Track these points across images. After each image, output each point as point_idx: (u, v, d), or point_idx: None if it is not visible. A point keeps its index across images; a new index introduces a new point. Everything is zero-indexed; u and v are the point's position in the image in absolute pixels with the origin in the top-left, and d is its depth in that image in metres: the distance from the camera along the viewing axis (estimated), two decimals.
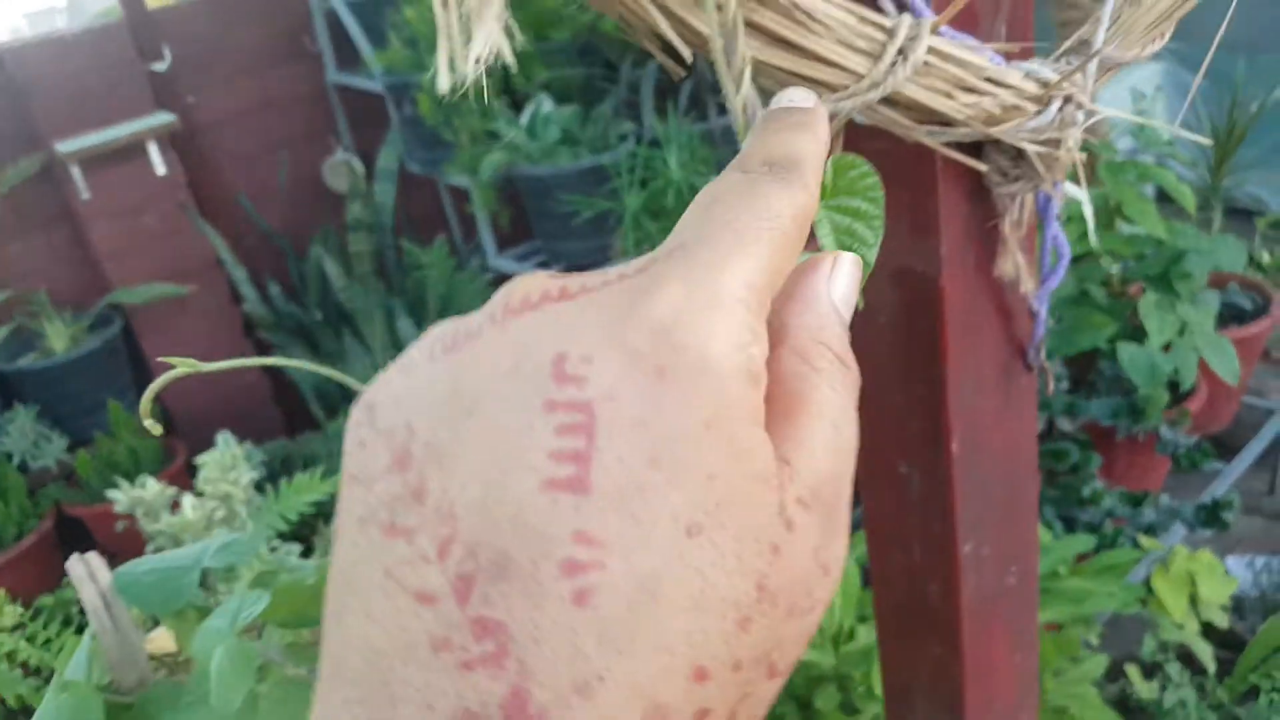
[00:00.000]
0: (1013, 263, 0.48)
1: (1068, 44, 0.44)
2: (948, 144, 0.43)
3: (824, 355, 0.26)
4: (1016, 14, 0.45)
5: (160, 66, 2.56)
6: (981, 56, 0.42)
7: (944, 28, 0.42)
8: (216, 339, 2.63)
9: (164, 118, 2.48)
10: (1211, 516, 1.68)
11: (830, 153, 0.47)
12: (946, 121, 0.42)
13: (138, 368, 2.59)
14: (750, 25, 0.38)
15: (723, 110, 2.22)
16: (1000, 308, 0.50)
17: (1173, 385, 1.86)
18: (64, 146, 2.37)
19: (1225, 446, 2.16)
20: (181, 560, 0.52)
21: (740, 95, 0.35)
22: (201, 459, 1.99)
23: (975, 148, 0.45)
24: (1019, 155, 0.45)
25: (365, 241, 2.51)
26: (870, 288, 0.52)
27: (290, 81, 2.75)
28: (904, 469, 0.55)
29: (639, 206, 2.01)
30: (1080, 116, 0.43)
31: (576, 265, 2.31)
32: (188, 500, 1.71)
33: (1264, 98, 2.18)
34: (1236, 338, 1.87)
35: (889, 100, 0.41)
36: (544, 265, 2.36)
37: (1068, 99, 0.42)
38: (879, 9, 0.41)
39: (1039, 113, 0.42)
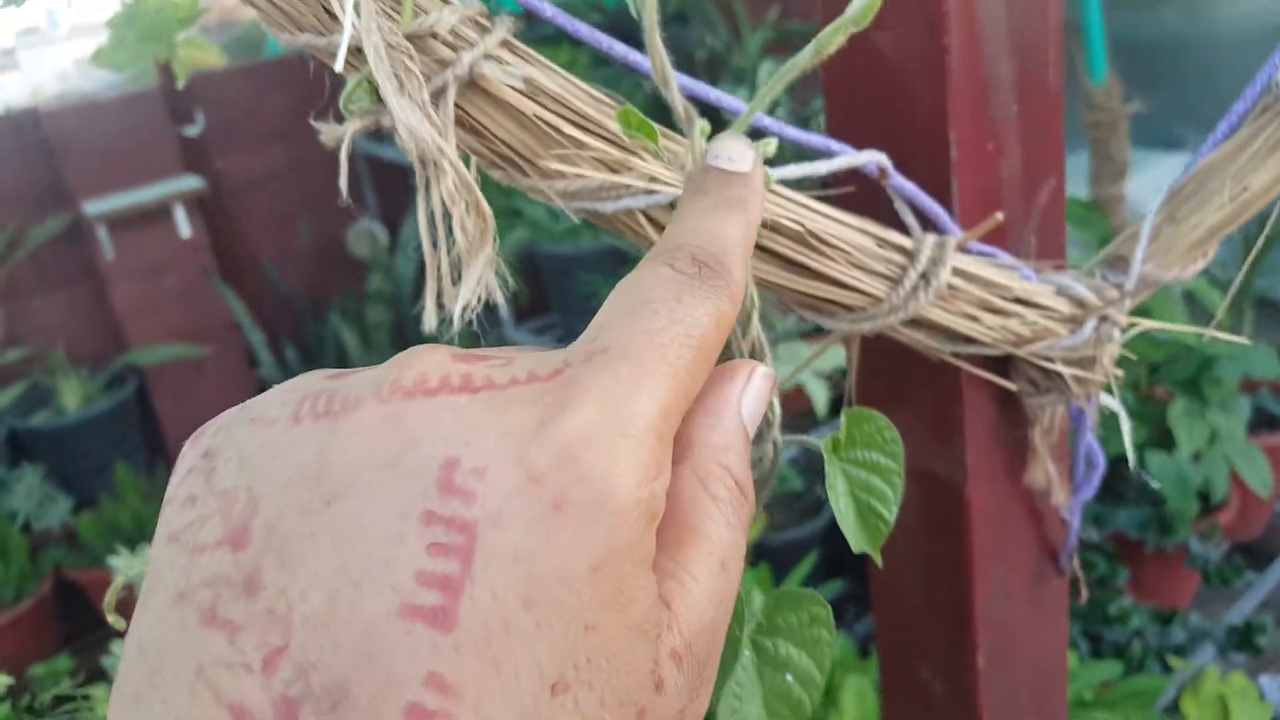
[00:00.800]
0: (1044, 472, 0.44)
1: (1103, 255, 0.41)
2: (972, 358, 0.41)
3: (724, 482, 0.24)
4: (1048, 223, 0.42)
5: (192, 131, 2.58)
6: (1010, 274, 0.39)
7: (970, 243, 0.39)
8: (229, 402, 2.60)
9: (191, 182, 2.49)
10: (1244, 640, 1.62)
11: (850, 354, 0.44)
12: (972, 339, 0.39)
13: (149, 429, 2.58)
14: (763, 250, 0.36)
15: None
16: (1030, 513, 0.47)
17: (1204, 494, 1.81)
18: (92, 207, 2.38)
19: (1257, 555, 2.10)
20: None
21: (751, 332, 0.33)
22: None
23: (1003, 359, 0.42)
24: (1049, 371, 0.42)
25: (384, 313, 2.51)
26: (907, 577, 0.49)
27: (319, 148, 2.73)
28: (926, 675, 0.51)
29: None
30: (1117, 334, 0.40)
31: None
32: None
33: None
34: (1268, 445, 1.82)
35: (910, 321, 0.38)
36: (562, 340, 2.34)
37: (1104, 318, 0.40)
38: (902, 225, 0.39)
39: (1073, 332, 0.40)
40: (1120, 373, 0.41)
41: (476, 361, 0.22)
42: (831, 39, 0.27)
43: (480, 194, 0.33)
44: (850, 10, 0.27)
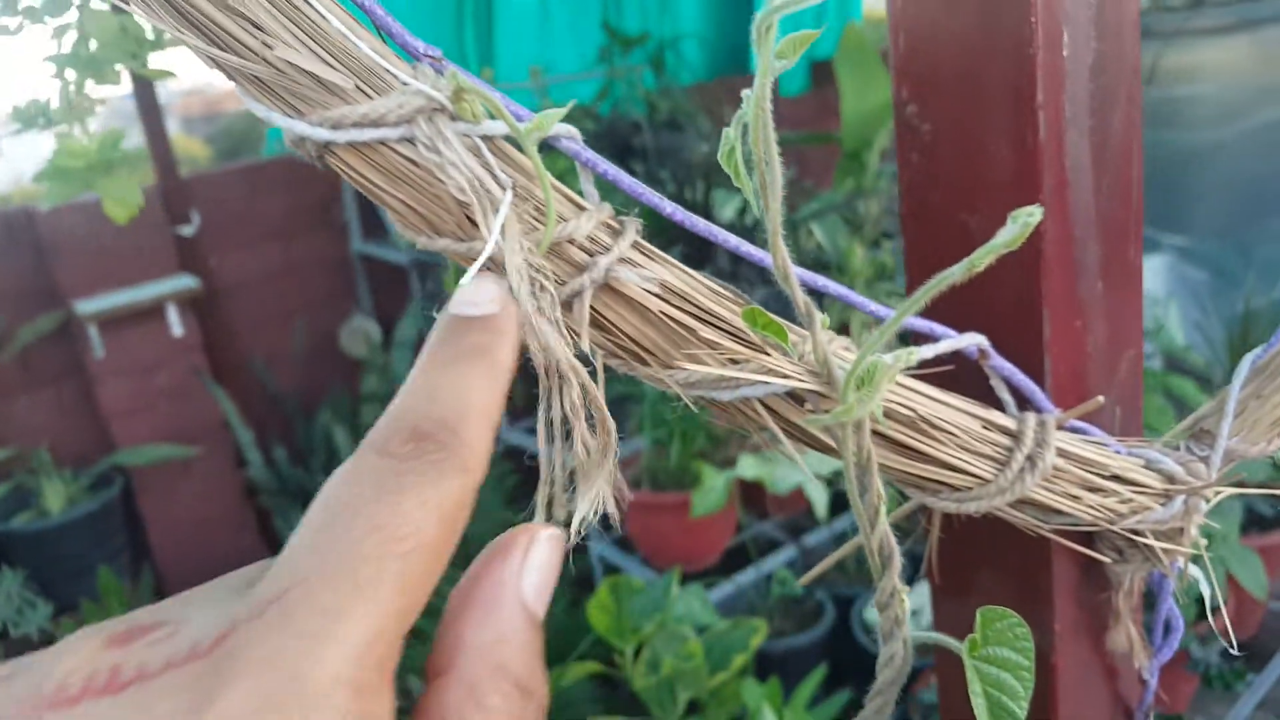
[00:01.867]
0: (1126, 636, 0.45)
1: (1185, 426, 0.43)
2: (1063, 530, 0.41)
3: (498, 687, 0.22)
4: (1127, 394, 0.43)
5: (188, 230, 2.60)
6: (1105, 451, 0.40)
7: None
8: (215, 504, 2.58)
9: (185, 281, 2.50)
10: None
11: (932, 519, 0.45)
12: (1069, 515, 0.40)
13: (133, 530, 2.53)
14: (876, 435, 0.36)
15: None
16: (1109, 673, 0.47)
17: (1197, 599, 1.81)
18: (83, 306, 2.38)
19: (1253, 655, 2.11)
20: None
21: (878, 534, 0.33)
22: None
23: (1090, 531, 0.43)
24: (1134, 542, 0.43)
25: (377, 413, 2.49)
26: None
27: (315, 248, 2.79)
28: None
29: (657, 395, 2.00)
30: (1203, 506, 0.41)
31: None
32: None
33: (1271, 295, 2.21)
34: (1260, 545, 1.84)
35: (1014, 501, 0.39)
36: None
37: (1193, 493, 0.41)
38: (999, 402, 0.40)
39: (1164, 505, 0.41)
40: (1205, 541, 0.42)
41: (135, 641, 0.19)
42: (983, 258, 0.28)
43: (607, 410, 0.33)
44: (1005, 235, 0.28)
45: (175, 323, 2.51)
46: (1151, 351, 2.05)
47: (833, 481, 2.12)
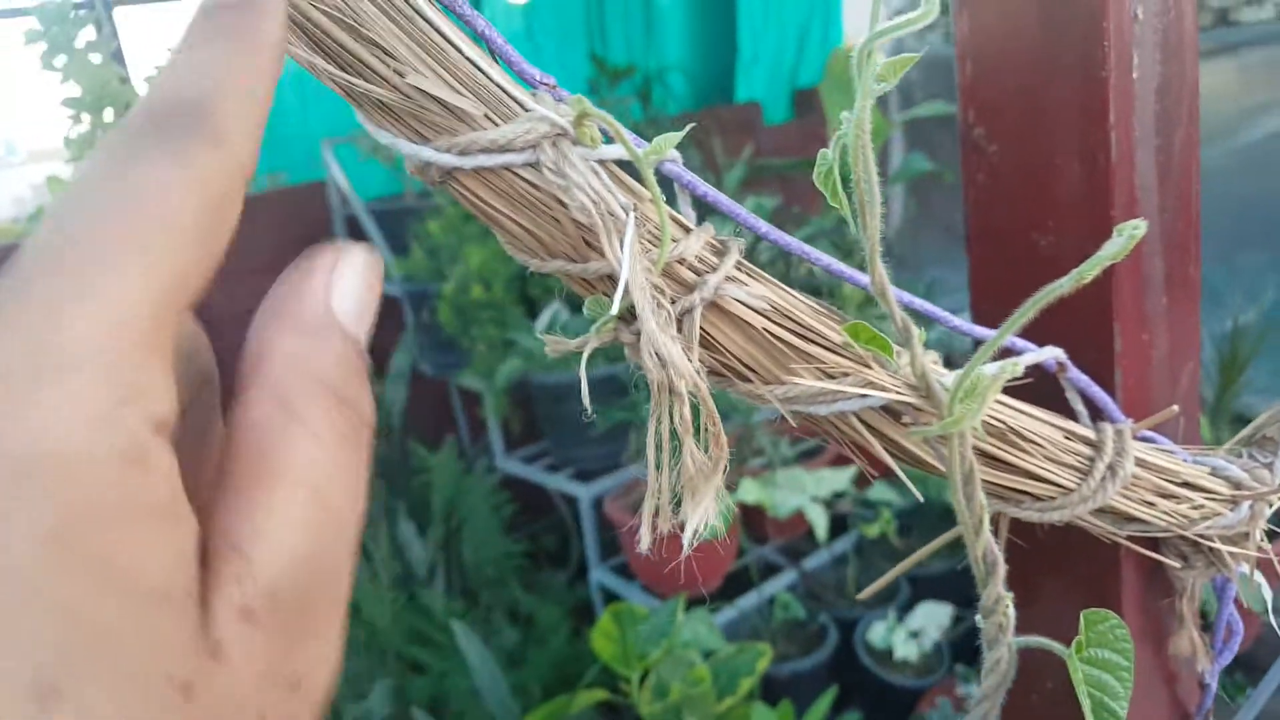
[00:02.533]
0: (1189, 640, 0.46)
1: (1247, 434, 0.44)
2: (1134, 537, 0.43)
3: (310, 395, 0.21)
4: (1187, 405, 0.45)
5: None
6: (1175, 459, 0.41)
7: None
8: None
9: None
10: None
11: (1000, 526, 0.46)
12: (1143, 522, 0.41)
13: None
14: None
15: None
16: (1169, 676, 0.49)
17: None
18: None
19: (1248, 667, 2.13)
20: None
21: (981, 542, 0.34)
22: None
23: (1159, 537, 0.44)
24: (1200, 543, 0.44)
25: (372, 446, 2.49)
26: (1043, 658, 0.50)
27: None
28: None
29: None
30: (1267, 510, 0.43)
31: (588, 470, 2.29)
32: None
33: (1258, 315, 2.25)
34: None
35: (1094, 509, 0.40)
36: (553, 469, 2.33)
37: (1260, 498, 0.42)
38: (1073, 415, 0.41)
39: (1231, 511, 0.42)
40: (1270, 545, 0.43)
41: None
42: (1090, 269, 0.30)
43: (720, 426, 0.34)
44: (1111, 247, 0.29)
45: None
46: None
47: (831, 504, 2.13)
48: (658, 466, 0.34)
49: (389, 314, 2.75)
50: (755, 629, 1.97)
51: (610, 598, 2.14)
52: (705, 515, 0.34)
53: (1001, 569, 0.34)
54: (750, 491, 1.93)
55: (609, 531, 2.23)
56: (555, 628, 2.12)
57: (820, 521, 1.99)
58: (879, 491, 2.18)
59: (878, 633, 1.87)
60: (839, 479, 2.06)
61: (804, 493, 2.12)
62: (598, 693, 1.61)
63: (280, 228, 2.74)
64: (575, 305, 2.31)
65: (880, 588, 0.49)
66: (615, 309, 0.29)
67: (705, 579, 2.10)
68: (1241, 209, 2.54)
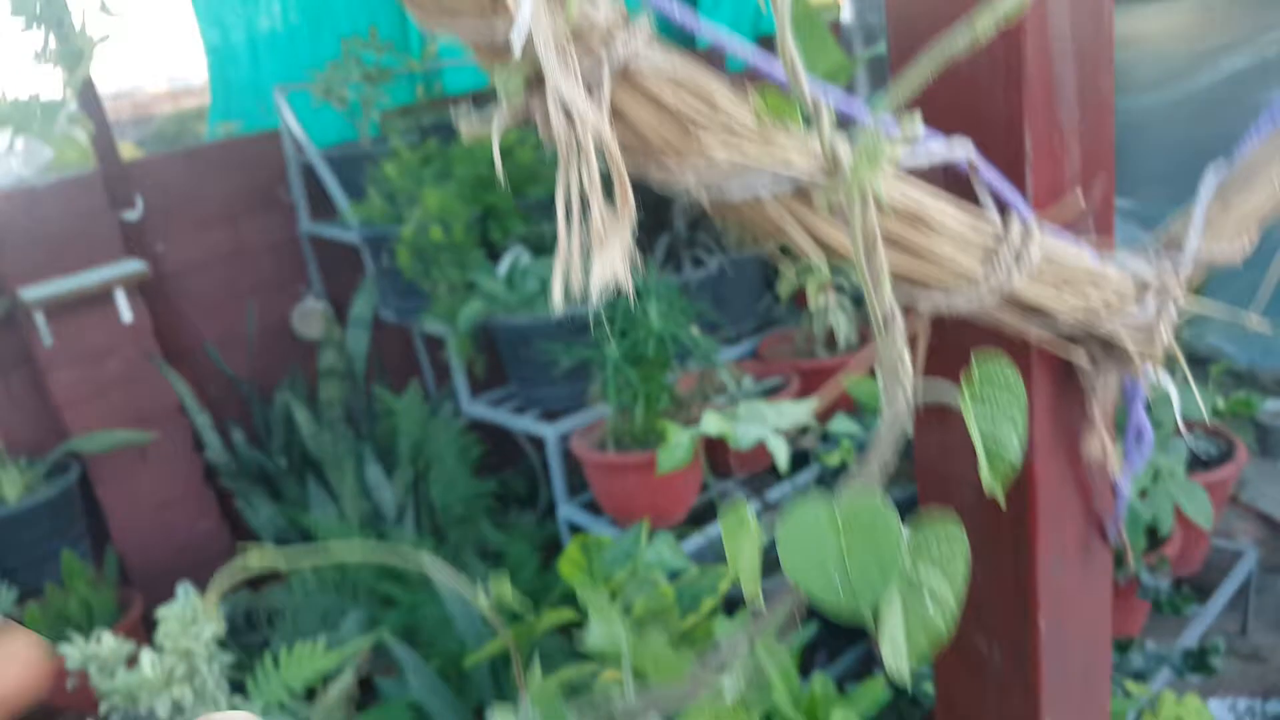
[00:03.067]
0: (1100, 444, 0.48)
1: (1154, 238, 0.46)
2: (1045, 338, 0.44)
3: None
4: (1101, 215, 0.46)
5: (132, 215, 2.56)
6: (1084, 255, 0.43)
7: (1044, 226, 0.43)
8: (175, 487, 2.55)
9: (133, 266, 2.46)
10: (1199, 662, 1.68)
11: (915, 343, 0.48)
12: (1051, 315, 0.43)
13: (93, 516, 2.49)
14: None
15: (697, 264, 2.27)
16: (1083, 485, 0.51)
17: (1150, 531, 1.88)
18: (29, 293, 2.33)
19: (1197, 588, 2.19)
20: None
21: (882, 299, 0.36)
22: (161, 612, 1.90)
23: (1068, 337, 0.46)
24: (1110, 344, 0.46)
25: (336, 389, 2.49)
26: (953, 465, 0.52)
27: (262, 231, 2.77)
28: (984, 647, 0.54)
29: (620, 355, 2.02)
30: (1174, 309, 0.45)
31: (553, 410, 2.31)
32: (146, 656, 1.61)
33: None
34: (1206, 482, 1.91)
35: (999, 300, 0.41)
36: (519, 410, 2.35)
37: (1163, 293, 0.44)
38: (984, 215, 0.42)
39: (1137, 307, 0.44)
40: (1175, 345, 0.45)
41: None
42: (987, 27, 0.31)
43: (628, 181, 0.35)
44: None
45: (124, 308, 2.47)
46: None
47: (793, 440, 2.16)
48: (567, 224, 0.35)
49: (344, 259, 2.73)
50: (720, 556, 2.00)
51: (578, 533, 2.16)
52: (612, 267, 0.35)
53: (900, 327, 0.36)
54: (713, 424, 1.95)
55: (576, 469, 2.25)
56: (524, 562, 2.14)
57: (781, 452, 2.02)
58: (840, 424, 2.21)
59: None
60: (800, 411, 2.09)
61: (765, 424, 2.15)
62: (565, 612, 1.63)
63: (235, 178, 2.72)
64: (537, 248, 2.31)
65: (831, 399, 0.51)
66: (517, 47, 0.30)
67: (670, 511, 2.13)
68: (1199, 151, 2.58)
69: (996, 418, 0.35)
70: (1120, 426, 0.49)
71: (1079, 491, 0.51)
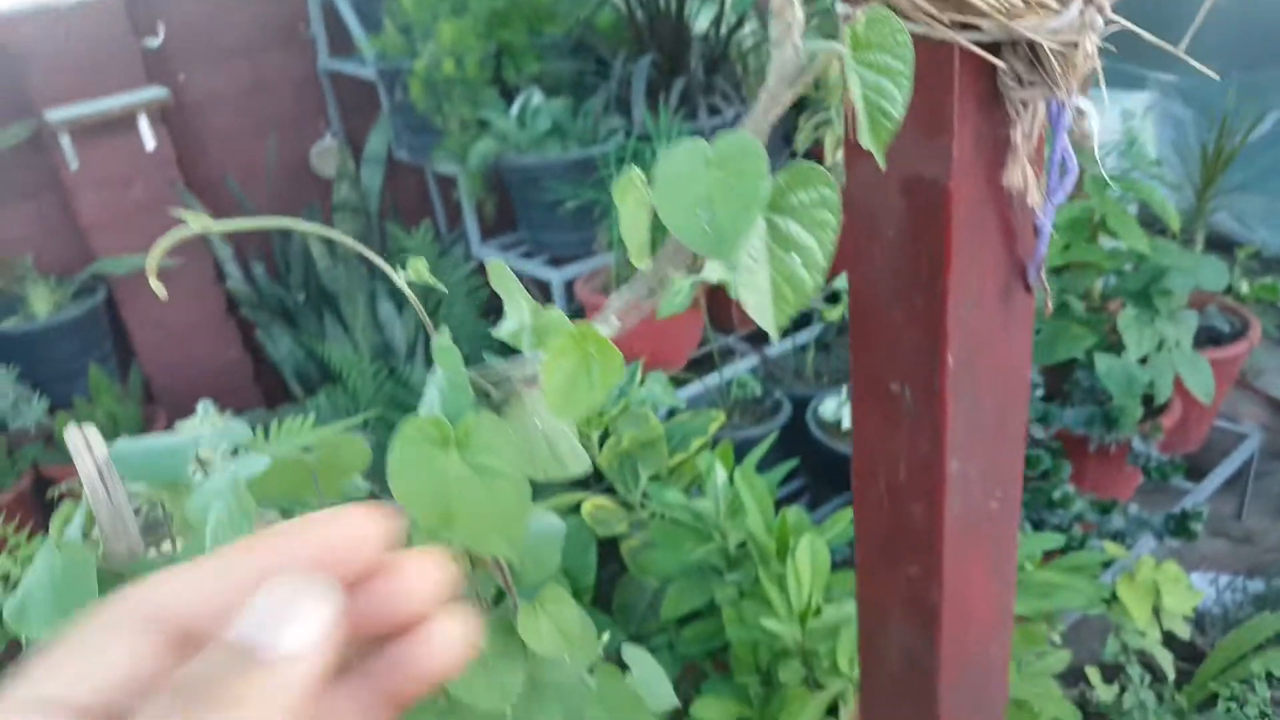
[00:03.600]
0: (1021, 173, 0.49)
1: None
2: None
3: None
4: None
5: (153, 43, 2.55)
6: None
7: None
8: (198, 314, 2.61)
9: (156, 92, 2.47)
10: (1180, 527, 1.70)
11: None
12: (972, 14, 0.43)
13: (119, 336, 2.57)
14: None
15: (713, 112, 2.24)
16: (1005, 223, 0.51)
17: (1147, 400, 1.88)
18: (54, 115, 2.35)
19: (1195, 468, 2.18)
20: (178, 441, 0.52)
21: None
22: (180, 425, 1.97)
23: (992, 50, 0.46)
24: (1035, 61, 0.46)
25: (350, 223, 2.51)
26: (879, 198, 0.53)
27: (282, 66, 2.75)
28: (896, 387, 0.56)
29: None
30: (1100, 21, 0.44)
31: (560, 256, 2.32)
32: None
33: (1253, 121, 2.23)
34: (1213, 358, 1.90)
35: None
36: (528, 255, 2.36)
37: (1089, 1, 0.44)
38: None
39: (1060, 13, 0.44)
40: (1099, 66, 0.45)
41: None
42: None
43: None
44: None
45: (148, 135, 2.49)
46: (1125, 166, 2.07)
47: None
48: None
49: (363, 97, 2.72)
50: (713, 403, 2.04)
51: None
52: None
53: None
54: (714, 271, 1.96)
55: (580, 315, 2.27)
56: None
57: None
58: (842, 282, 2.21)
59: (829, 407, 1.93)
60: None
61: None
62: None
63: (256, 9, 2.69)
64: (549, 89, 2.29)
65: None
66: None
67: (670, 359, 2.16)
68: (1247, 27, 2.48)
69: (880, 77, 0.35)
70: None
71: (1002, 229, 0.51)
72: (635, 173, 0.38)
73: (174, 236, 0.41)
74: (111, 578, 0.49)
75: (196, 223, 0.40)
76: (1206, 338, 2.08)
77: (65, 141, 2.38)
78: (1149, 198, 1.78)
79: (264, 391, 2.71)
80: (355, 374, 2.24)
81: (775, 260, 0.35)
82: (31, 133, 2.41)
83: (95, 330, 2.46)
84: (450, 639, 0.26)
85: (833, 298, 2.30)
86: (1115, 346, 1.85)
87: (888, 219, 0.52)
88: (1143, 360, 1.83)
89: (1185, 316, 1.89)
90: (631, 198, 0.39)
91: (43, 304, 2.37)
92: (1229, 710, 1.56)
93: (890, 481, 0.59)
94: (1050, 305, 0.54)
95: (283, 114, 2.77)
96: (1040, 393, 1.88)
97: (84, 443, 0.50)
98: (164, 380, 2.56)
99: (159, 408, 2.46)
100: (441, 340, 0.43)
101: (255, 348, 2.66)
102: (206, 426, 2.05)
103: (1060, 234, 1.83)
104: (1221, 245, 2.57)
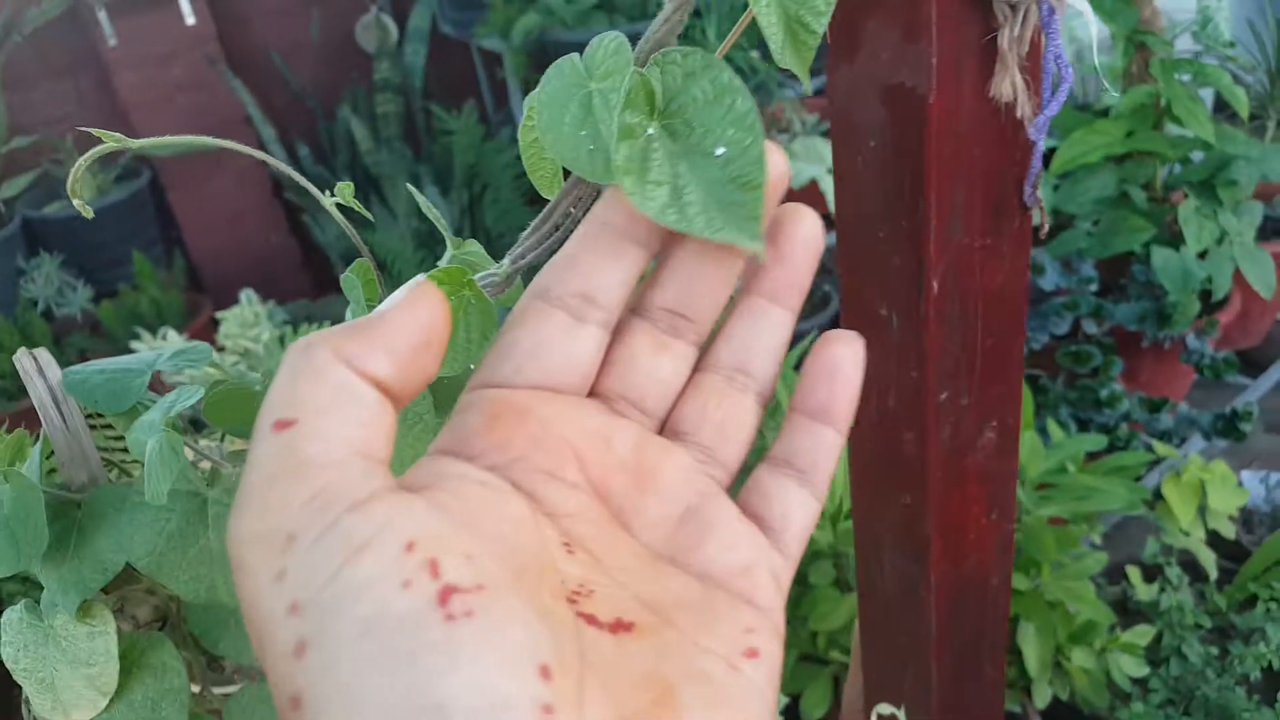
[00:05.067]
0: (1010, 83, 0.44)
1: None
2: None
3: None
4: None
5: None
6: None
7: None
8: (245, 197, 2.62)
9: None
10: (1229, 426, 1.65)
11: None
12: None
13: (165, 221, 2.59)
14: None
15: None
16: (995, 136, 0.47)
17: (1205, 296, 1.80)
18: None
19: (1253, 364, 2.11)
20: (134, 363, 0.52)
21: None
22: (223, 314, 2.00)
23: None
24: None
25: (393, 103, 2.46)
26: (859, 110, 0.49)
27: None
28: (884, 311, 0.53)
29: None
30: None
31: None
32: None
33: None
34: (1276, 252, 1.81)
35: None
36: None
37: None
38: None
39: None
40: None
41: None
42: None
43: None
44: None
45: (187, 10, 2.45)
46: (1197, 47, 1.93)
47: None
48: None
49: None
50: None
51: None
52: None
53: None
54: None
55: None
56: None
57: (832, 193, 1.96)
58: None
59: None
60: None
61: (821, 163, 2.08)
62: None
63: None
64: None
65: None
66: None
67: None
68: None
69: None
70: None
71: (991, 143, 0.47)
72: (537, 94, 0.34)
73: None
74: (69, 506, 0.49)
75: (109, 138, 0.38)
76: (1272, 230, 1.97)
77: (103, 16, 2.36)
78: (1217, 81, 1.66)
79: (313, 278, 2.72)
80: (400, 262, 2.24)
81: (698, 171, 0.30)
82: (68, 6, 2.39)
83: (140, 215, 2.47)
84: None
85: None
86: (1177, 239, 1.76)
87: (869, 130, 0.48)
88: (1202, 254, 1.74)
89: (1250, 208, 1.79)
90: (530, 124, 0.36)
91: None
92: (1268, 611, 1.53)
93: (881, 408, 0.56)
94: (1045, 225, 0.50)
95: None
96: (1094, 287, 1.81)
97: (35, 367, 0.49)
98: (210, 268, 2.58)
99: (206, 298, 2.49)
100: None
101: (301, 233, 2.67)
102: (248, 313, 2.07)
103: (1124, 120, 1.73)
104: None
